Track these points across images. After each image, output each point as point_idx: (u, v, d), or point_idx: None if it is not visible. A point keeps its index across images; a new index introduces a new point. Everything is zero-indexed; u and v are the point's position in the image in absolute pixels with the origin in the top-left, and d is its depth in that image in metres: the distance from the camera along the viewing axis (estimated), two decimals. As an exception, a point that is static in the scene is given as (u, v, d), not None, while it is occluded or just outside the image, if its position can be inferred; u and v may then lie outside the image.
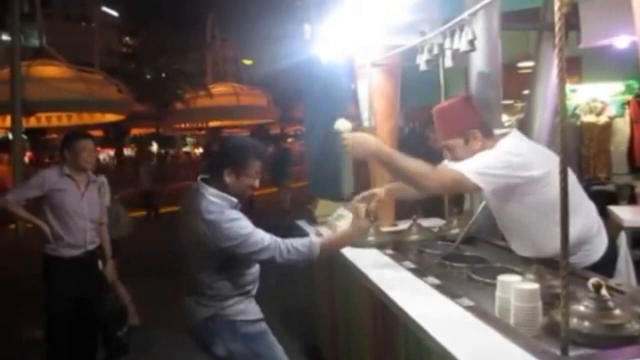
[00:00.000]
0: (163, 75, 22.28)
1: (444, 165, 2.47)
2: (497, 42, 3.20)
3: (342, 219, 3.43)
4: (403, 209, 4.11)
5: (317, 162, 6.35)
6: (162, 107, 21.24)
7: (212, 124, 25.24)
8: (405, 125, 6.34)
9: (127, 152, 26.36)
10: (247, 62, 29.78)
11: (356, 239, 2.56)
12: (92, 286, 3.67)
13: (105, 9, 22.57)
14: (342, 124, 2.48)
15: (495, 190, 2.32)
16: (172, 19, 19.07)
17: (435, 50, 2.48)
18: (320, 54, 4.02)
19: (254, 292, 2.53)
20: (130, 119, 17.44)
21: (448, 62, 2.40)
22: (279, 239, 2.34)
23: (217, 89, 23.36)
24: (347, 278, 2.91)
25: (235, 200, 2.39)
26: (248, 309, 2.46)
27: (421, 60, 2.65)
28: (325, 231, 3.56)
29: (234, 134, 27.91)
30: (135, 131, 23.39)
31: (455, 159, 2.46)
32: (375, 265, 2.62)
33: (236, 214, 2.35)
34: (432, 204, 4.04)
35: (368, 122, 3.48)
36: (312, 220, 3.94)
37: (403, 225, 3.42)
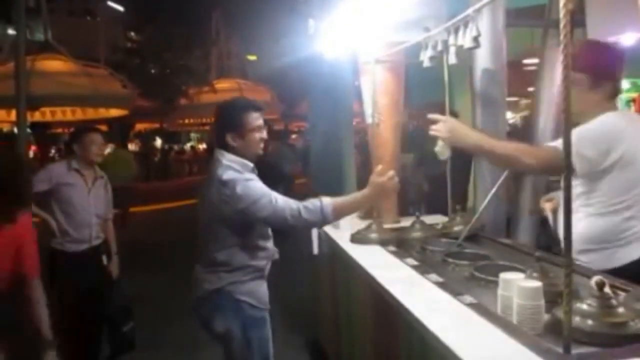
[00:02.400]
0: (167, 70, 22.27)
1: (550, 146, 2.27)
2: (502, 39, 3.19)
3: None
4: (406, 206, 4.12)
5: (320, 158, 6.34)
6: (166, 102, 21.23)
7: (217, 118, 25.20)
8: (410, 122, 6.32)
9: (132, 147, 26.39)
10: (252, 57, 29.75)
11: (375, 201, 2.56)
12: (96, 281, 3.69)
13: (110, 3, 22.57)
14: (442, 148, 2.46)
15: (588, 173, 2.11)
16: (177, 14, 19.04)
17: (440, 47, 2.47)
18: (324, 50, 4.02)
19: (265, 273, 2.54)
20: (134, 114, 17.43)
21: (452, 59, 2.40)
22: (290, 200, 2.35)
23: (221, 84, 23.32)
24: (349, 275, 2.91)
25: (251, 164, 2.46)
26: (257, 293, 2.48)
27: (425, 57, 2.65)
28: (327, 228, 3.56)
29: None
30: (139, 126, 23.40)
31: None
32: (378, 263, 2.61)
33: (250, 175, 2.40)
34: (434, 201, 4.04)
35: (372, 119, 3.47)
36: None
37: (406, 222, 3.41)
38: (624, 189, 2.12)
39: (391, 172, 2.45)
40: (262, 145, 2.52)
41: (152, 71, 22.24)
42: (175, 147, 28.76)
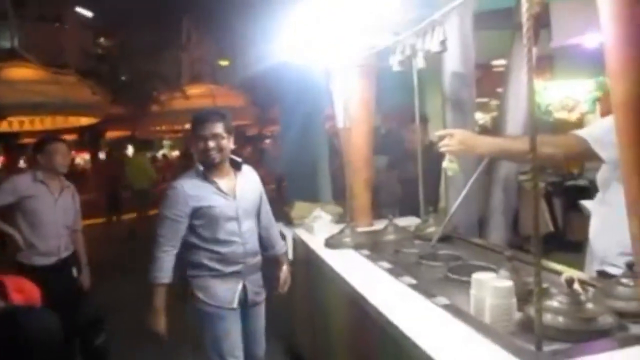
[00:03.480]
0: (138, 77, 22.01)
1: (572, 134, 2.25)
2: (470, 42, 3.23)
3: (319, 221, 3.44)
4: (379, 209, 4.14)
5: (294, 163, 6.34)
6: (137, 109, 20.97)
7: (189, 125, 25.02)
8: (383, 126, 6.35)
9: (103, 155, 26.02)
10: (224, 63, 29.55)
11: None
12: (67, 294, 3.61)
13: (79, 9, 22.21)
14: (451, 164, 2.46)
15: (617, 160, 2.04)
16: (148, 19, 18.80)
17: (408, 51, 2.49)
18: (296, 55, 4.01)
19: (223, 274, 2.70)
20: (105, 122, 17.20)
21: (420, 63, 2.42)
22: (171, 246, 2.64)
23: (193, 90, 23.09)
24: (324, 280, 2.91)
25: (200, 168, 2.68)
26: (211, 290, 2.67)
27: (394, 61, 2.67)
28: (302, 233, 3.56)
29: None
30: (110, 134, 23.05)
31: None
32: (352, 266, 2.62)
33: (190, 183, 2.66)
34: (407, 203, 4.07)
35: (343, 124, 3.48)
36: (289, 222, 3.93)
37: (379, 225, 3.43)
38: None
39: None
40: (210, 154, 2.67)
41: (123, 77, 21.96)
42: (148, 154, 28.41)
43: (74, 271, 3.75)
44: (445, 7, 2.20)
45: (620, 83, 1.14)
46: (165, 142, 34.03)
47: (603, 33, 1.16)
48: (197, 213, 2.63)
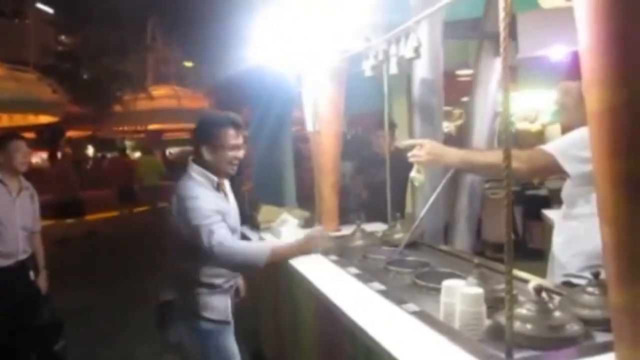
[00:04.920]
0: (101, 76, 21.56)
1: (538, 148, 2.25)
2: (440, 50, 3.27)
3: (286, 225, 3.41)
4: (345, 214, 4.13)
5: (261, 167, 6.30)
6: (99, 109, 20.53)
7: (152, 127, 24.64)
8: (348, 131, 6.37)
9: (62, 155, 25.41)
10: (189, 64, 29.22)
11: (305, 252, 2.58)
12: (24, 298, 3.49)
13: (40, 5, 21.63)
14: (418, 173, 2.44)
15: (583, 175, 2.02)
16: (112, 18, 18.44)
17: (381, 56, 2.49)
18: (265, 58, 3.98)
19: (225, 287, 2.49)
20: (65, 121, 16.80)
21: (393, 69, 2.42)
22: (230, 241, 2.31)
23: (158, 91, 22.81)
24: (291, 285, 2.88)
25: (215, 178, 2.40)
26: (214, 307, 2.43)
27: (367, 66, 2.67)
28: (268, 237, 3.52)
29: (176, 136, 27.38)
30: (71, 133, 22.51)
31: (564, 112, 2.33)
32: (320, 272, 2.59)
33: (207, 193, 2.35)
34: (373, 209, 4.08)
35: (313, 127, 3.47)
36: (255, 226, 3.89)
37: (346, 230, 3.42)
38: None
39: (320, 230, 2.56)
40: (235, 164, 2.46)
41: (85, 76, 21.48)
42: (109, 155, 27.86)
43: (31, 274, 3.62)
44: (416, 14, 2.22)
45: (595, 92, 1.15)
46: (127, 143, 33.45)
47: (579, 42, 1.17)
48: None
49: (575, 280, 2.16)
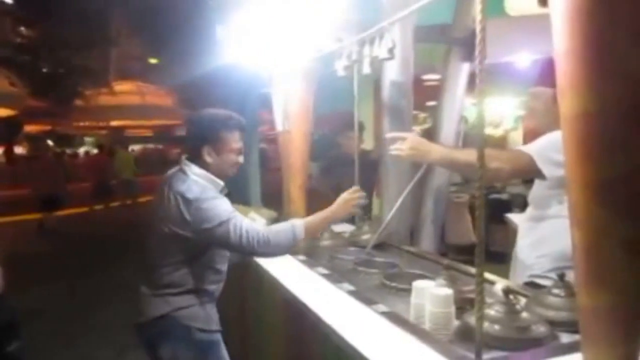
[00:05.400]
0: (62, 69, 21.02)
1: (517, 149, 2.27)
2: (411, 53, 3.28)
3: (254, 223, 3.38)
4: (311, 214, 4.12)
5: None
6: (60, 103, 20.03)
7: (114, 123, 24.23)
8: (315, 131, 6.37)
9: (19, 150, 24.68)
10: (154, 60, 28.78)
11: (341, 215, 2.43)
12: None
13: (-3, -5, 20.99)
14: None
15: (558, 178, 2.03)
16: (75, 11, 18.00)
17: (354, 57, 2.49)
18: (232, 56, 3.95)
19: (216, 295, 2.37)
20: (23, 115, 16.34)
21: (366, 69, 2.42)
22: (257, 226, 2.20)
23: (121, 86, 22.43)
24: (259, 284, 2.86)
25: (221, 183, 2.26)
26: (206, 316, 2.29)
27: (339, 66, 2.67)
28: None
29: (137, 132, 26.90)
30: (28, 128, 21.90)
31: (532, 116, 2.38)
32: (289, 272, 2.58)
33: (218, 194, 2.20)
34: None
35: (283, 127, 3.44)
36: (222, 225, 3.84)
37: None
38: None
39: (357, 190, 2.42)
40: (236, 168, 2.34)
41: (44, 70, 20.92)
42: (68, 150, 27.22)
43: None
44: (388, 15, 2.23)
45: (569, 97, 1.17)
46: (88, 139, 32.72)
47: (554, 46, 1.19)
48: None
49: (540, 281, 2.20)
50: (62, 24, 19.50)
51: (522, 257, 2.37)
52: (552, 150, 2.08)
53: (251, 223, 2.21)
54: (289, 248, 2.22)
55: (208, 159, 2.25)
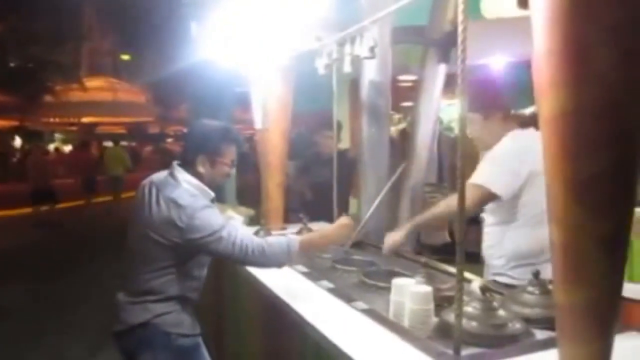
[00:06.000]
0: (31, 64, 20.58)
1: (468, 185, 2.32)
2: (389, 53, 3.31)
3: (231, 222, 3.36)
4: (290, 213, 4.12)
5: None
6: (28, 98, 19.61)
7: (86, 119, 23.84)
8: (292, 130, 6.36)
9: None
10: (126, 57, 28.38)
11: (342, 237, 2.41)
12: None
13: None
14: None
15: (513, 191, 2.28)
16: (45, 5, 17.65)
17: (335, 55, 2.50)
18: (206, 54, 3.92)
19: (196, 299, 2.32)
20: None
21: (347, 68, 2.44)
22: (252, 236, 2.17)
23: (92, 82, 22.09)
24: (237, 282, 2.85)
25: (212, 194, 2.23)
26: (186, 322, 2.24)
27: (320, 65, 2.67)
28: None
29: (111, 131, 26.50)
30: (-3, 124, 21.44)
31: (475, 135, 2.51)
32: (268, 270, 2.57)
33: (209, 203, 2.17)
34: (316, 208, 4.08)
35: (261, 125, 3.44)
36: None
37: (292, 228, 3.41)
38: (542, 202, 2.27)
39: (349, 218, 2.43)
40: (226, 180, 2.36)
41: (13, 64, 20.46)
42: (51, 146, 26.67)
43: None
44: (366, 15, 2.25)
45: (549, 97, 1.19)
46: (57, 135, 32.12)
47: (534, 47, 1.21)
48: None
49: (500, 279, 2.37)
50: (31, 18, 19.09)
51: (487, 259, 2.54)
52: (496, 173, 2.30)
53: (248, 233, 2.21)
54: (284, 260, 2.18)
55: (201, 169, 2.22)
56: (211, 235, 2.07)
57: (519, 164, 2.28)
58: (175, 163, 2.27)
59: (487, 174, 2.31)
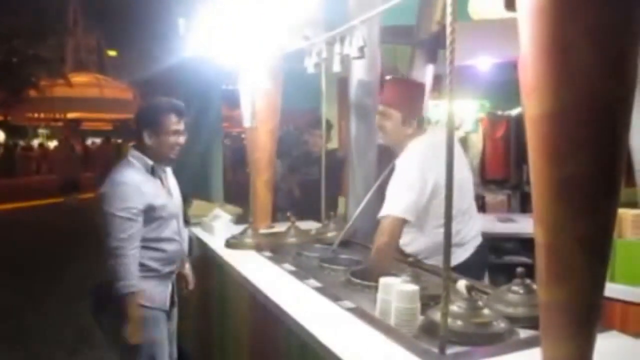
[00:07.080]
0: (15, 59, 20.29)
1: (388, 221, 2.51)
2: (377, 52, 3.32)
3: (219, 220, 3.36)
4: (278, 211, 4.13)
5: (184, 161, 6.15)
6: (12, 93, 19.34)
7: (71, 115, 23.58)
8: (280, 128, 6.35)
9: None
10: (112, 53, 28.13)
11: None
12: None
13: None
14: None
15: (420, 209, 2.46)
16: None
17: (324, 54, 2.51)
18: (194, 51, 3.91)
19: (162, 274, 2.46)
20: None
21: (337, 67, 2.45)
22: (134, 249, 2.29)
23: (78, 78, 21.85)
24: (224, 280, 2.85)
25: (150, 162, 2.41)
26: (149, 293, 2.38)
27: (309, 63, 2.68)
28: (199, 232, 3.46)
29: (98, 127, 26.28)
30: (-21, 119, 21.15)
31: (383, 133, 2.67)
32: (255, 268, 2.58)
33: (137, 179, 2.35)
34: (304, 207, 4.09)
35: (250, 123, 3.43)
36: (185, 221, 3.80)
37: (280, 227, 3.41)
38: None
39: None
40: (176, 150, 2.49)
41: (-4, 59, 20.17)
42: (22, 142, 26.38)
43: None
44: (354, 14, 2.26)
45: (534, 98, 1.21)
46: (41, 131, 31.78)
47: (520, 48, 1.23)
48: (149, 210, 2.37)
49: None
50: (16, 12, 18.84)
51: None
52: (407, 201, 2.43)
53: (128, 228, 2.29)
54: (118, 284, 2.27)
55: (147, 142, 2.42)
56: (109, 215, 2.26)
57: (424, 183, 2.43)
58: (130, 145, 2.51)
59: (403, 203, 2.44)
